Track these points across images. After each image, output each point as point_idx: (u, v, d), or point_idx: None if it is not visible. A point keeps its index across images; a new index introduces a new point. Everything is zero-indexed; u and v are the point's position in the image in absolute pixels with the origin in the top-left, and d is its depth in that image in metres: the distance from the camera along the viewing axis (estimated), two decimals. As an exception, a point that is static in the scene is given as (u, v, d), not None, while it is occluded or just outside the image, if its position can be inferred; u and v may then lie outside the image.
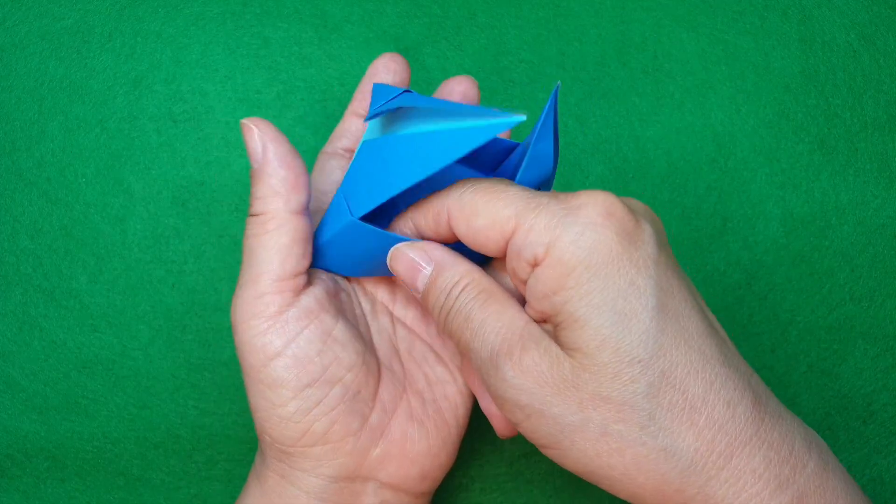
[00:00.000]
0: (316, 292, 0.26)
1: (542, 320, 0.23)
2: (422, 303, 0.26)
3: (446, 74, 0.35)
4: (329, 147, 0.30)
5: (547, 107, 0.23)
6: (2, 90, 0.35)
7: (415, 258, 0.25)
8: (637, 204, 0.24)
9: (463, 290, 0.24)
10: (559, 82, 0.26)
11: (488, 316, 0.23)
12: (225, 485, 0.34)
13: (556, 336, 0.23)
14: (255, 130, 0.25)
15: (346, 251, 0.27)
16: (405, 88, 0.26)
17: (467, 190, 0.24)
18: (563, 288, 0.22)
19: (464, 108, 0.23)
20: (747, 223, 0.35)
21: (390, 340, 0.29)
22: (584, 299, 0.22)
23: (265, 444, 0.26)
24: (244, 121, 0.26)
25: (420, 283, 0.25)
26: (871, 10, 0.36)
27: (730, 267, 0.35)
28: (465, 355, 0.25)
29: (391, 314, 0.29)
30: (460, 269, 0.24)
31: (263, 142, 0.25)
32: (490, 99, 0.35)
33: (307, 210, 0.26)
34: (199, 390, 0.34)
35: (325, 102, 0.35)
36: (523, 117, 0.22)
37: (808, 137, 0.36)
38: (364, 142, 0.26)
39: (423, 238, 0.26)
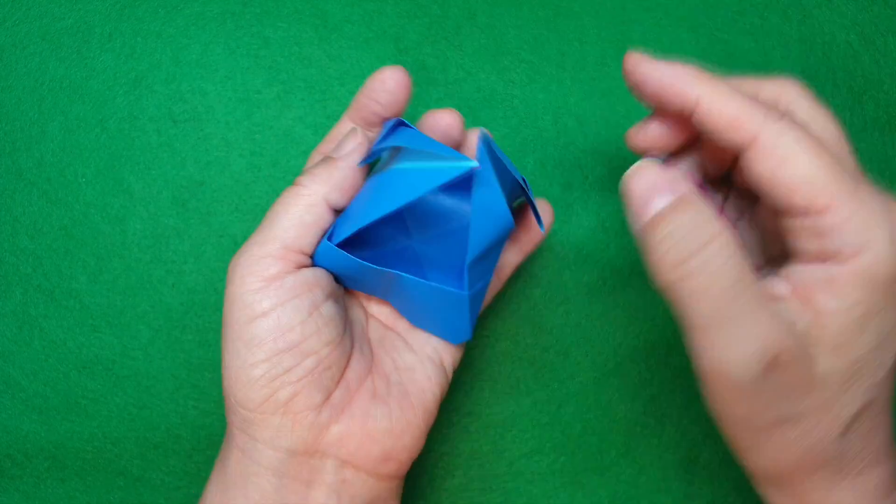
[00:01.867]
0: (316, 271, 0.27)
1: (785, 297, 0.22)
2: (642, 233, 0.23)
3: (446, 74, 0.35)
4: (324, 147, 0.30)
5: (478, 155, 0.24)
6: (2, 90, 0.35)
7: (658, 181, 0.23)
8: None
9: (719, 249, 0.21)
10: (484, 130, 0.27)
11: (740, 312, 0.21)
12: (225, 485, 0.34)
13: (805, 325, 0.22)
14: (360, 136, 0.28)
15: (334, 268, 0.28)
16: (398, 119, 0.28)
17: (788, 133, 0.22)
18: (850, 298, 0.21)
19: (435, 149, 0.25)
20: (747, 223, 0.35)
21: (362, 329, 0.29)
22: (865, 317, 0.21)
23: (229, 409, 0.27)
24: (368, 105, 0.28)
25: (653, 209, 0.22)
26: (871, 10, 0.36)
27: (730, 267, 0.35)
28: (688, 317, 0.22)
29: (365, 309, 0.30)
30: (716, 223, 0.22)
31: (357, 147, 0.27)
32: (490, 99, 0.35)
33: (335, 215, 0.27)
34: (199, 390, 0.34)
35: (325, 102, 0.35)
36: (474, 164, 0.24)
37: (808, 137, 0.36)
38: (369, 178, 0.28)
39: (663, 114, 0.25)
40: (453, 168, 0.25)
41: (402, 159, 0.27)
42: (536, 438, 0.34)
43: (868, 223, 0.21)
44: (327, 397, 0.26)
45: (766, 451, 0.23)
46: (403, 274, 0.27)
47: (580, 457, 0.34)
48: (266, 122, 0.35)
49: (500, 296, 0.34)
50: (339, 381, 0.27)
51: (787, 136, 0.22)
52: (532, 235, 0.31)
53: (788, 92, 0.25)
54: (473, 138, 0.30)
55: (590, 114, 0.35)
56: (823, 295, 0.21)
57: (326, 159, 0.27)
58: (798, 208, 0.22)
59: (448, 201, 0.29)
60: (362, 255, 0.28)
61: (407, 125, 0.28)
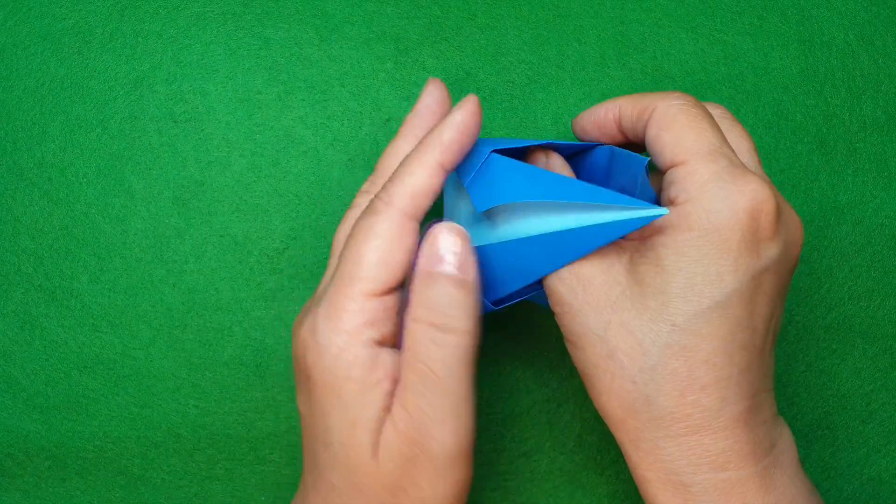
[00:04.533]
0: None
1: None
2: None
3: (446, 75, 0.35)
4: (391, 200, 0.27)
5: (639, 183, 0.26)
6: (3, 90, 0.35)
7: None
8: (794, 221, 0.25)
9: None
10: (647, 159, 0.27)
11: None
12: (225, 484, 0.34)
13: (635, 249, 0.25)
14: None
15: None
16: (491, 149, 0.27)
17: (676, 104, 0.26)
18: (675, 234, 0.24)
19: (587, 193, 0.24)
20: (746, 223, 0.35)
21: None
22: (677, 256, 0.24)
23: None
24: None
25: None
26: (869, 10, 0.36)
27: (729, 267, 0.35)
28: None
29: None
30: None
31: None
32: (490, 99, 0.35)
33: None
34: (200, 390, 0.34)
35: (326, 103, 0.35)
36: (665, 211, 0.24)
37: (806, 137, 0.36)
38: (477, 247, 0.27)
39: (602, 131, 0.29)
40: (643, 217, 0.23)
41: (528, 217, 0.25)
42: (536, 438, 0.34)
43: (706, 182, 0.24)
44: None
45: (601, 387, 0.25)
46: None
47: (580, 456, 0.34)
48: (267, 123, 0.35)
49: (500, 295, 0.35)
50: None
51: (674, 108, 0.25)
52: None
53: (713, 108, 0.29)
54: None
55: (589, 114, 0.36)
56: (653, 238, 0.25)
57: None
58: (665, 163, 0.25)
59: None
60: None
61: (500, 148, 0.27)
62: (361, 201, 0.30)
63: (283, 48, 0.35)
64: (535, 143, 0.28)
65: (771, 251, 0.24)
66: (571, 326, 0.25)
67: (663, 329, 0.24)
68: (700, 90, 0.36)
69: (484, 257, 0.26)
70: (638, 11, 0.36)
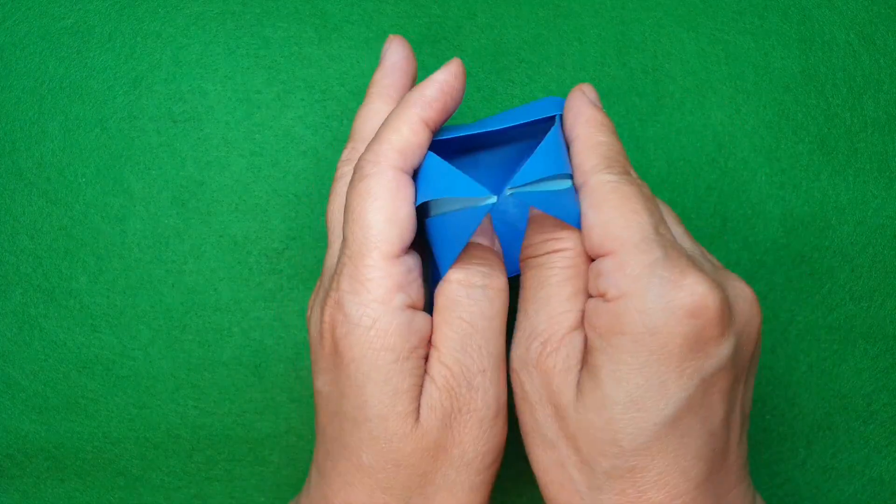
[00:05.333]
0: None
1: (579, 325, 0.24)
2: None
3: (446, 74, 0.35)
4: (358, 137, 0.28)
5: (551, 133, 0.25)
6: (1, 90, 0.35)
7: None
8: (744, 300, 0.23)
9: (553, 252, 0.24)
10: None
11: (553, 295, 0.24)
12: (225, 485, 0.34)
13: (582, 357, 0.23)
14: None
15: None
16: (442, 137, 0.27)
17: (608, 179, 0.23)
18: (608, 337, 0.22)
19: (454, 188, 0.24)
20: (747, 223, 0.35)
21: None
22: (614, 365, 0.22)
23: None
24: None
25: None
26: (871, 9, 0.36)
27: (730, 267, 0.35)
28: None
29: None
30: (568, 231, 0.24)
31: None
32: (490, 99, 0.35)
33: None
34: (199, 390, 0.34)
35: (325, 102, 0.35)
36: (493, 199, 0.23)
37: (807, 137, 0.36)
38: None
39: None
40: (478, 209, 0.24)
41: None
42: (536, 438, 0.34)
43: (638, 278, 0.22)
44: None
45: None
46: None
47: (580, 457, 0.34)
48: (266, 122, 0.35)
49: (500, 296, 0.35)
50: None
51: (607, 186, 0.23)
52: None
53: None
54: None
55: (590, 114, 0.35)
56: (590, 327, 0.23)
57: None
58: (593, 248, 0.23)
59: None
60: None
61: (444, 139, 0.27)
62: (346, 170, 0.28)
63: (283, 47, 0.35)
64: (481, 130, 0.27)
65: (722, 349, 0.22)
66: (525, 419, 0.25)
67: (609, 451, 0.22)
68: (701, 90, 0.36)
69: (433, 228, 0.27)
70: (638, 11, 0.36)
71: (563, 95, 0.35)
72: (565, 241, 0.24)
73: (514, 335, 0.26)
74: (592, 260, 0.24)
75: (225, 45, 0.35)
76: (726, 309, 0.21)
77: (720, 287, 0.22)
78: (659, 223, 0.23)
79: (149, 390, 0.34)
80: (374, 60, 0.35)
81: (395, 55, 0.29)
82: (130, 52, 0.35)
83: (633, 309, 0.21)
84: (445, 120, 0.26)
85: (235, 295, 0.34)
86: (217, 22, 0.35)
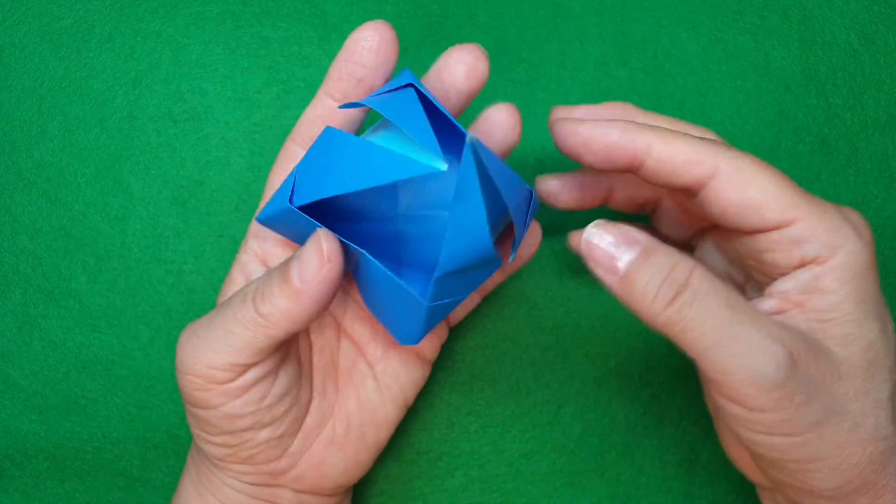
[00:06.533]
0: (270, 360, 0.25)
1: (780, 311, 0.24)
2: (619, 289, 0.23)
3: (446, 74, 0.35)
4: (298, 136, 0.27)
5: (463, 164, 0.21)
6: (1, 90, 0.35)
7: (618, 237, 0.23)
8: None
9: (701, 277, 0.22)
10: (473, 136, 0.21)
11: (744, 324, 0.22)
12: (224, 485, 0.34)
13: (809, 325, 0.23)
14: (328, 244, 0.23)
15: (286, 229, 0.26)
16: (409, 77, 0.24)
17: (747, 161, 0.24)
18: (842, 292, 0.23)
19: (416, 133, 0.22)
20: (747, 223, 0.35)
21: (332, 357, 0.29)
22: (860, 305, 0.23)
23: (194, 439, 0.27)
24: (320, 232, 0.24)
25: (622, 264, 0.22)
26: (871, 9, 0.36)
27: (730, 267, 0.35)
28: (702, 361, 0.22)
29: (339, 326, 0.29)
30: (686, 257, 0.23)
31: (327, 271, 0.23)
32: (491, 99, 0.35)
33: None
34: (199, 390, 0.34)
35: (325, 102, 0.35)
36: (441, 167, 0.22)
37: (808, 137, 0.36)
38: (329, 129, 0.25)
39: (607, 160, 0.25)
40: (414, 165, 0.22)
41: (385, 130, 0.24)
42: (536, 439, 0.34)
43: (835, 226, 0.23)
44: (285, 450, 0.27)
45: (820, 461, 0.23)
46: (370, 257, 0.24)
47: (580, 457, 0.34)
48: (266, 122, 0.35)
49: (500, 296, 0.34)
50: (296, 433, 0.27)
51: (744, 162, 0.24)
52: (518, 257, 0.29)
53: (706, 133, 0.27)
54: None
55: (590, 114, 0.35)
56: (815, 296, 0.23)
57: (287, 281, 0.23)
58: (771, 223, 0.23)
59: (451, 178, 0.27)
60: (332, 220, 0.25)
61: (415, 86, 0.24)
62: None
63: (283, 47, 0.35)
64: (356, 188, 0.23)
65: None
66: (805, 413, 0.22)
67: (885, 377, 0.23)
68: (701, 90, 0.36)
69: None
70: (639, 11, 0.36)
71: (564, 95, 0.35)
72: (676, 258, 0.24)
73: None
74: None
75: (225, 44, 0.35)
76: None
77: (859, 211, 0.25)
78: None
79: (149, 390, 0.34)
80: (374, 60, 0.35)
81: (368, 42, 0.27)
82: (130, 51, 0.35)
83: (855, 252, 0.23)
84: (354, 87, 0.26)
85: (235, 295, 0.34)
86: (217, 22, 0.35)
